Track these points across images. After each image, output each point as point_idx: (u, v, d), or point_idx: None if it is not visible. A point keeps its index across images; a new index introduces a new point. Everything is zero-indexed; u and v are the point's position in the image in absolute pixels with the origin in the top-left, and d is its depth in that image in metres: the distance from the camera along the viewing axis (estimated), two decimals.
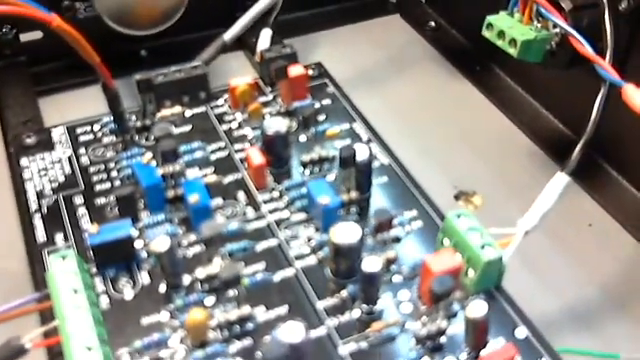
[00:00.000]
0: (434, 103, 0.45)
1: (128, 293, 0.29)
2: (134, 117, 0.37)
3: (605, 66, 0.31)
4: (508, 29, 0.35)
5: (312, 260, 0.31)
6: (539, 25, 0.35)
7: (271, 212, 0.33)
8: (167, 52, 0.44)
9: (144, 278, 0.29)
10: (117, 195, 0.31)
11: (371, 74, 0.47)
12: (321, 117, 0.38)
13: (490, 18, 0.35)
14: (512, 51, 0.35)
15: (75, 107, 0.41)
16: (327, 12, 0.52)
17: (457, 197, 0.39)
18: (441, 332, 0.27)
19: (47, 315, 0.27)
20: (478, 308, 0.26)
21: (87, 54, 0.32)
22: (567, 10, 0.35)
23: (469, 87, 0.46)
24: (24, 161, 0.35)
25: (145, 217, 0.32)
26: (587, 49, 0.32)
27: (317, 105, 0.39)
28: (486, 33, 0.36)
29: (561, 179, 0.31)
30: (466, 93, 0.46)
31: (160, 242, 0.28)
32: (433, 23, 0.51)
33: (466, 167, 0.40)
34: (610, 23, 0.33)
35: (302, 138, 0.37)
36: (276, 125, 0.34)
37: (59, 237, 0.31)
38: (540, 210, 0.30)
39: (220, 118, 0.38)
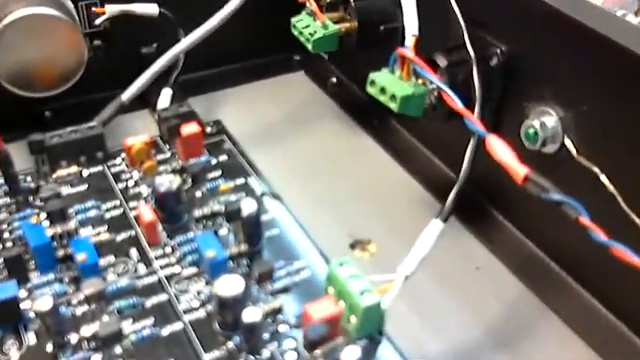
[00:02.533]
0: (333, 157, 0.46)
1: (14, 354, 0.29)
2: (29, 178, 0.37)
3: (472, 119, 0.33)
4: (388, 85, 0.36)
5: (201, 313, 0.31)
6: (419, 81, 0.37)
7: (162, 267, 0.33)
8: (73, 112, 0.44)
9: (31, 338, 0.30)
10: (4, 257, 0.31)
11: (272, 130, 0.49)
12: (216, 173, 0.39)
13: (372, 75, 0.37)
14: (393, 106, 0.36)
15: None
16: (233, 70, 0.54)
17: (353, 246, 0.40)
18: None
19: None
20: (352, 353, 0.27)
21: None
22: (442, 67, 0.37)
23: (367, 140, 0.48)
24: None
25: (35, 277, 0.32)
26: (457, 103, 0.33)
27: (214, 161, 0.40)
28: (370, 89, 0.38)
29: (436, 225, 0.33)
30: (364, 146, 0.48)
31: (43, 302, 0.28)
32: (335, 79, 0.53)
33: (362, 217, 0.42)
34: (478, 78, 0.36)
35: (198, 194, 0.38)
36: (167, 182, 0.34)
37: None
38: (418, 256, 0.32)
39: (117, 177, 0.39)
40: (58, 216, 0.33)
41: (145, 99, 0.47)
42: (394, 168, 0.46)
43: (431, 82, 0.36)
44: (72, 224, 0.33)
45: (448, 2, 0.37)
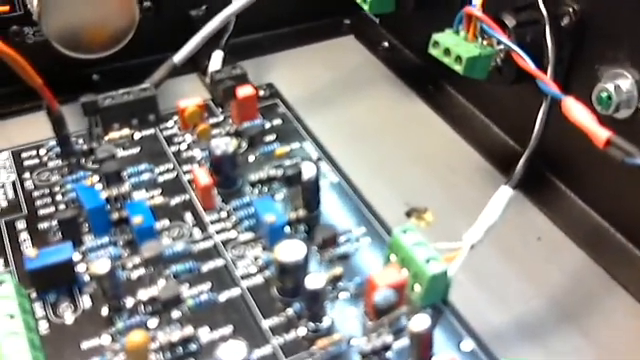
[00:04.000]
0: (387, 122, 0.45)
1: (69, 317, 0.28)
2: (81, 140, 0.37)
3: (546, 80, 0.31)
4: (453, 47, 0.35)
5: (259, 279, 0.30)
6: (484, 42, 0.35)
7: (218, 232, 0.32)
8: (121, 76, 0.43)
9: (85, 302, 0.29)
10: (59, 219, 0.31)
11: (324, 94, 0.47)
12: (271, 137, 0.38)
13: (436, 36, 0.36)
14: (458, 68, 0.35)
15: (24, 133, 0.40)
16: (282, 34, 0.52)
17: (409, 214, 0.39)
18: (387, 347, 0.27)
19: None
20: (421, 322, 0.26)
21: (28, 76, 0.31)
22: (510, 27, 0.35)
23: (422, 106, 0.47)
24: None
25: (89, 240, 0.31)
26: (529, 64, 0.32)
27: (267, 125, 0.39)
28: (433, 51, 0.36)
29: (505, 192, 0.31)
30: (419, 112, 0.46)
31: (100, 264, 0.27)
32: (387, 43, 0.52)
33: (418, 184, 0.40)
34: (551, 39, 0.34)
35: (252, 158, 0.37)
36: (223, 145, 0.33)
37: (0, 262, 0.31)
38: (485, 224, 0.30)
39: (169, 140, 0.38)
40: (113, 178, 0.32)
41: (194, 62, 0.45)
42: (450, 135, 0.44)
43: (499, 42, 0.34)
44: (126, 187, 0.33)
45: None
